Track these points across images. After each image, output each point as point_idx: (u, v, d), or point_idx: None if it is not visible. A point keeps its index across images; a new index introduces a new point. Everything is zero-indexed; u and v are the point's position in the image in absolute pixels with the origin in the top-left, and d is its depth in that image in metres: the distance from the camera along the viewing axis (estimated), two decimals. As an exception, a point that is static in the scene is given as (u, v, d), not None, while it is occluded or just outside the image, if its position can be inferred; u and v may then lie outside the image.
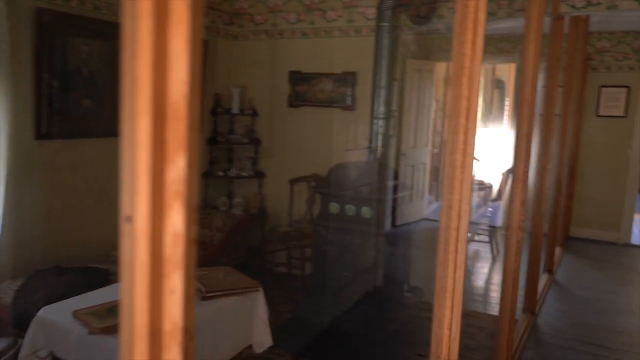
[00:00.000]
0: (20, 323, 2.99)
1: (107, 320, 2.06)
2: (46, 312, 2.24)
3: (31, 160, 3.88)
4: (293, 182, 5.38)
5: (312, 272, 4.16)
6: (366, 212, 3.84)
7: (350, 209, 3.90)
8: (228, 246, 4.76)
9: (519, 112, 3.38)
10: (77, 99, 4.19)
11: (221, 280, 2.57)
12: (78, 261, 4.18)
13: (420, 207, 7.32)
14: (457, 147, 1.98)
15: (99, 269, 3.83)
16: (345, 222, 3.93)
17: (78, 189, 4.23)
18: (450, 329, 2.05)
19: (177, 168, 0.64)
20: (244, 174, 5.68)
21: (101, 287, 3.38)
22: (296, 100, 5.56)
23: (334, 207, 3.98)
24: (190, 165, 0.65)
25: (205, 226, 4.93)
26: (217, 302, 2.43)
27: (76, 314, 2.12)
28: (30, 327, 2.22)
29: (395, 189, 4.01)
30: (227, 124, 5.79)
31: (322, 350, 3.72)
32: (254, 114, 5.70)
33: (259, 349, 2.67)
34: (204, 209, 5.31)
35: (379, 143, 4.11)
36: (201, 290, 2.44)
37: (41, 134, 3.93)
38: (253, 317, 2.62)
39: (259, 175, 5.75)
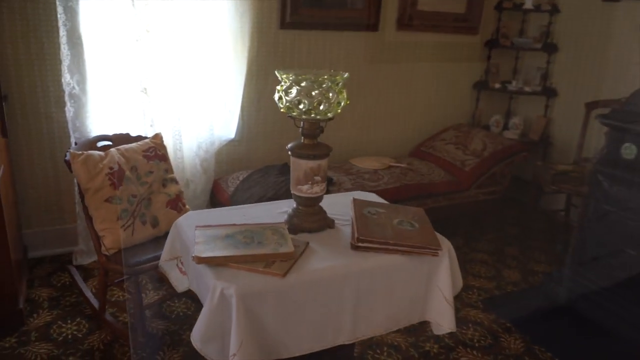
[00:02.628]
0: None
1: (211, 249, 1.64)
2: (186, 219, 1.98)
3: (275, 52, 3.69)
4: (591, 106, 3.96)
5: (579, 234, 2.98)
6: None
7: (654, 156, 2.51)
8: (482, 175, 3.85)
9: None
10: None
11: (388, 227, 1.85)
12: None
13: None
14: None
15: (322, 176, 3.52)
16: (644, 175, 2.58)
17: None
18: None
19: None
20: (528, 89, 4.47)
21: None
22: (620, -10, 3.93)
23: (627, 150, 2.63)
24: None
25: (460, 147, 4.09)
26: (372, 256, 1.75)
27: (197, 229, 1.78)
28: (170, 230, 2.00)
29: None
30: (515, 24, 4.57)
31: (577, 350, 2.67)
32: (554, 10, 4.31)
33: (437, 330, 1.92)
34: (465, 126, 4.42)
35: None
36: (353, 235, 1.80)
37: (285, 24, 3.66)
38: (430, 288, 1.85)
39: (549, 92, 4.45)
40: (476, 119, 4.66)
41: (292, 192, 1.92)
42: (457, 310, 2.95)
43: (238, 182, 3.43)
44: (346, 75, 1.83)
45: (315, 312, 1.67)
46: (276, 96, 1.82)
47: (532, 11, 4.39)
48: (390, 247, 1.77)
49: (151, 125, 3.25)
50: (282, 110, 1.81)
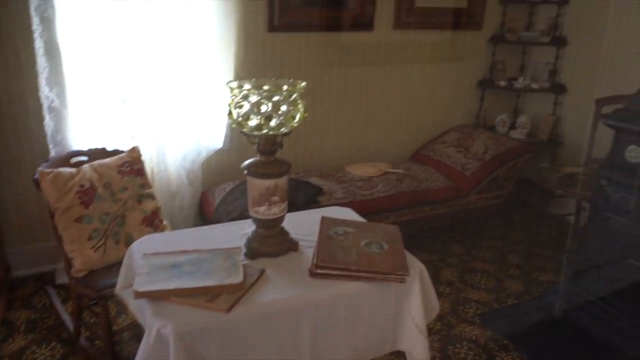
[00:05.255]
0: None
1: (152, 281, 1.51)
2: (140, 244, 1.86)
3: (263, 56, 3.55)
4: (601, 102, 3.71)
5: (580, 242, 2.77)
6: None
7: (661, 160, 2.29)
8: (483, 180, 3.65)
9: None
10: (316, -15, 3.59)
11: (354, 250, 1.70)
12: (313, 169, 3.83)
13: None
14: None
15: (313, 185, 3.38)
16: (651, 180, 2.36)
17: (316, 91, 3.77)
18: None
19: None
20: (535, 86, 4.24)
21: (302, 207, 2.93)
22: (632, -23, 3.67)
23: (632, 153, 2.42)
24: None
25: (462, 149, 3.89)
26: (333, 284, 1.60)
27: (142, 258, 1.65)
28: (125, 255, 1.88)
29: None
30: (522, 17, 4.34)
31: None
32: (563, 1, 4.07)
33: (411, 360, 1.76)
34: (469, 127, 4.21)
35: None
36: (313, 261, 1.65)
37: (274, 26, 3.52)
38: (401, 315, 1.70)
39: (558, 89, 4.22)
40: (481, 119, 4.45)
41: (250, 213, 1.78)
42: (451, 327, 2.80)
43: (224, 193, 3.31)
44: (302, 84, 1.69)
45: (268, 350, 1.52)
46: (227, 110, 1.69)
47: (540, 3, 4.16)
48: (353, 274, 1.62)
49: (133, 137, 3.15)
50: (233, 126, 1.68)
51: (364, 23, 3.82)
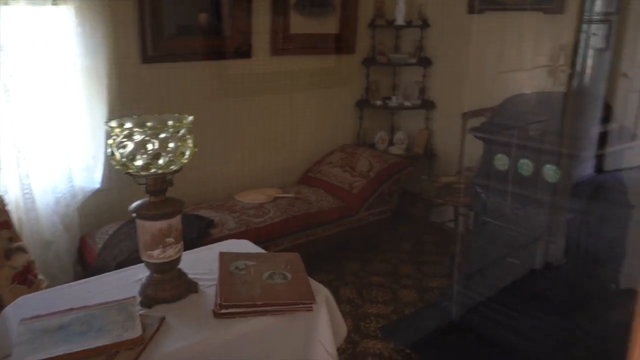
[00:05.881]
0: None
1: (35, 349, 1.34)
2: (15, 307, 1.65)
3: (139, 88, 3.38)
4: (466, 116, 4.04)
5: (463, 246, 2.97)
6: (550, 173, 2.44)
7: (525, 166, 2.54)
8: (371, 196, 3.78)
9: None
10: (190, 13, 3.52)
11: (257, 283, 1.66)
12: (201, 201, 3.70)
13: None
14: None
15: (203, 218, 3.26)
16: (519, 185, 2.60)
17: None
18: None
19: None
20: (408, 103, 4.51)
21: (195, 242, 2.79)
22: (481, 2, 4.07)
23: (500, 161, 2.66)
24: None
25: (347, 169, 4.01)
26: (239, 322, 1.54)
27: (20, 324, 1.46)
28: (-3, 322, 1.66)
29: (604, 134, 2.45)
30: (390, 40, 4.61)
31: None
32: (424, 25, 4.40)
33: (325, 386, 1.74)
34: (351, 147, 4.36)
35: (588, 62, 2.56)
36: (216, 301, 1.58)
37: (148, 57, 3.38)
38: (311, 343, 1.68)
39: (428, 105, 4.52)
40: (361, 137, 4.63)
41: (142, 258, 1.66)
42: (356, 344, 2.83)
43: (107, 236, 3.07)
44: (190, 119, 1.62)
45: (176, 403, 1.42)
46: (108, 151, 1.57)
47: (404, 27, 4.44)
48: (259, 309, 1.57)
49: (-7, 185, 2.82)
50: (117, 167, 1.56)
51: (242, 51, 3.81)
